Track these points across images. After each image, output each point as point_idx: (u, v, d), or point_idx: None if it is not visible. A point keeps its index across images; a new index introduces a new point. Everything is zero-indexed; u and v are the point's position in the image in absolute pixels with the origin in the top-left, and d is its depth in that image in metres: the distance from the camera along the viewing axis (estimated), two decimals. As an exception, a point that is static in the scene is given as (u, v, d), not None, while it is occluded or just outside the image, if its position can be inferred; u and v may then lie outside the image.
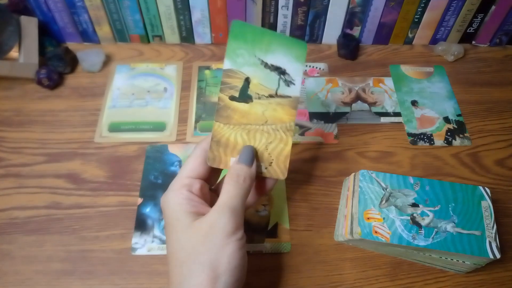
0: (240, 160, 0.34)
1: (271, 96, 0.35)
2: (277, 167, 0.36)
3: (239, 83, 0.34)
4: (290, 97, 0.35)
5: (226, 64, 0.34)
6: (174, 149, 0.50)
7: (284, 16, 0.58)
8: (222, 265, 0.29)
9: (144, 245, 0.43)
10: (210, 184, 0.36)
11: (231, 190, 0.32)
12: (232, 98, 0.35)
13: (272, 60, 0.35)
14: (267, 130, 0.35)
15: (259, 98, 0.35)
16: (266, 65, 0.35)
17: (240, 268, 0.30)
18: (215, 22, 0.59)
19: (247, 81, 0.35)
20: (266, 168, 0.36)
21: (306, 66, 0.60)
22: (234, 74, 0.34)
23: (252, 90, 0.35)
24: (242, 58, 0.34)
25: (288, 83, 0.35)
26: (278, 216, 0.45)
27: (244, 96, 0.35)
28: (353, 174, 0.44)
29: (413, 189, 0.41)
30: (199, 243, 0.30)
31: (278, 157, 0.35)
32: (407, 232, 0.38)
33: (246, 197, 0.33)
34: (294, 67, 0.35)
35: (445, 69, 0.60)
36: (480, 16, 0.59)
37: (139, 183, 0.47)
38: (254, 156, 0.34)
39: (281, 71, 0.35)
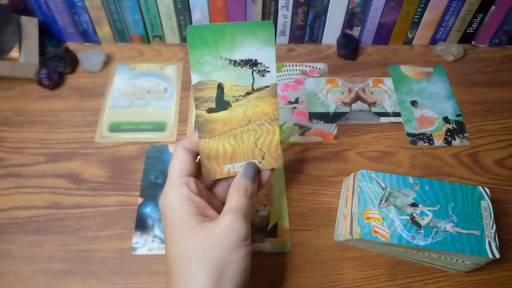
0: (244, 175, 0.35)
1: (248, 93, 0.33)
2: (270, 158, 0.36)
3: (213, 93, 0.33)
4: (268, 86, 0.34)
5: (194, 78, 0.32)
6: (174, 149, 0.50)
7: (284, 16, 0.58)
8: (232, 267, 0.30)
9: (145, 245, 0.43)
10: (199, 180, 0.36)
11: (241, 199, 0.33)
12: (210, 110, 0.33)
13: (240, 55, 0.32)
14: (253, 128, 0.35)
15: (237, 100, 0.33)
16: (235, 63, 0.32)
17: (247, 271, 0.31)
18: (215, 22, 0.59)
19: (220, 87, 0.33)
20: (260, 162, 0.36)
21: (306, 66, 0.60)
22: (205, 85, 0.32)
23: (228, 94, 0.33)
24: (208, 66, 0.32)
25: (263, 72, 0.33)
26: (278, 216, 0.45)
27: (221, 104, 0.33)
28: (352, 174, 0.44)
29: (413, 189, 0.41)
30: (211, 245, 0.30)
31: (269, 149, 0.36)
32: (407, 232, 0.38)
33: (252, 209, 0.34)
34: (264, 53, 0.33)
35: (444, 69, 0.60)
36: (480, 16, 0.59)
37: (140, 183, 0.47)
38: (256, 173, 0.35)
39: (252, 63, 0.33)
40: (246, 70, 0.33)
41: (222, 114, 0.33)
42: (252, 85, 0.33)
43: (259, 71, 0.33)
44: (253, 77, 0.33)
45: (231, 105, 0.33)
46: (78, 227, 0.44)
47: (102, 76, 0.58)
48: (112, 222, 0.45)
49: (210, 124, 0.33)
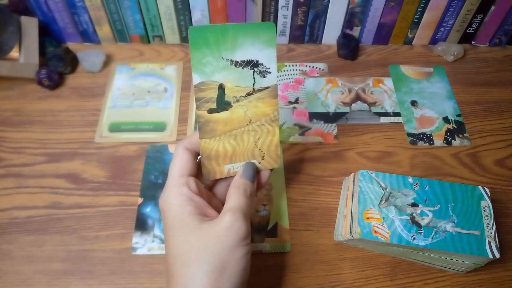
0: (243, 175, 0.35)
1: (249, 94, 0.34)
2: (270, 158, 0.36)
3: (214, 93, 0.33)
4: (268, 87, 0.34)
5: (195, 79, 0.32)
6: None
7: (284, 16, 0.58)
8: (231, 267, 0.30)
9: (145, 245, 0.43)
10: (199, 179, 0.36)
11: (240, 199, 0.33)
12: (211, 111, 0.33)
13: (241, 56, 0.32)
14: (253, 128, 0.35)
15: (238, 100, 0.33)
16: (236, 64, 0.32)
17: (246, 271, 0.32)
18: (215, 23, 0.59)
19: (221, 88, 0.33)
20: (259, 162, 0.36)
21: (306, 66, 0.60)
22: (206, 85, 0.32)
23: (229, 95, 0.33)
24: (210, 66, 0.32)
25: (263, 73, 0.33)
26: (278, 216, 0.45)
27: (222, 104, 0.33)
28: (352, 174, 0.44)
29: (413, 189, 0.41)
30: (211, 244, 0.30)
31: (269, 149, 0.36)
32: (407, 232, 0.38)
33: (251, 209, 0.34)
34: (265, 54, 0.33)
35: (444, 69, 0.60)
36: (480, 16, 0.59)
37: (140, 183, 0.47)
38: (255, 173, 0.36)
39: (253, 64, 0.33)
40: (247, 71, 0.33)
41: (222, 115, 0.34)
42: (253, 86, 0.33)
43: (260, 72, 0.33)
44: (254, 78, 0.33)
45: (231, 106, 0.33)
46: (78, 227, 0.44)
47: (102, 76, 0.58)
48: (112, 222, 0.45)
49: (211, 124, 0.34)
